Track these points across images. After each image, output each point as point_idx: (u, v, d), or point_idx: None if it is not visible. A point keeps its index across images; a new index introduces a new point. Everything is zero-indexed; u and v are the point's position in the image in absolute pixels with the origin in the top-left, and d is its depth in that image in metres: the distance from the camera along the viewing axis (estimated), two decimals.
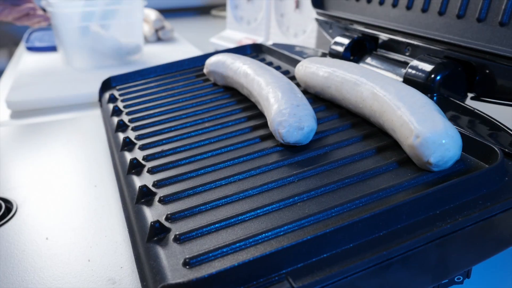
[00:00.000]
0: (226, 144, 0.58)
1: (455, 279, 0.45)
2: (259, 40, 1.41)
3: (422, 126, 0.45)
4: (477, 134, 0.51)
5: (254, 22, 1.46)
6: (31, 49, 1.44)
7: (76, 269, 0.50)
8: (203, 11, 2.37)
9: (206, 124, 0.65)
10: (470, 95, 0.65)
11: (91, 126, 0.87)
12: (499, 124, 0.55)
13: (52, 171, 0.71)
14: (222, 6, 2.22)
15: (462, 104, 0.61)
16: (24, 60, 1.35)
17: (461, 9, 0.64)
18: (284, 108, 0.55)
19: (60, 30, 1.17)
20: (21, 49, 1.58)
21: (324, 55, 0.91)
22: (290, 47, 0.97)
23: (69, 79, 1.14)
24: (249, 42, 1.41)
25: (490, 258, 0.42)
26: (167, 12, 2.03)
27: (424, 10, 0.71)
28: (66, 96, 1.02)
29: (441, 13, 0.68)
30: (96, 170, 0.70)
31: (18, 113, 0.99)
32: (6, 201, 0.63)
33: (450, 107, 0.61)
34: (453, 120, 0.57)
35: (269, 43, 1.36)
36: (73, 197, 0.64)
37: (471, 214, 0.39)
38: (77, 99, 1.03)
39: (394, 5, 0.77)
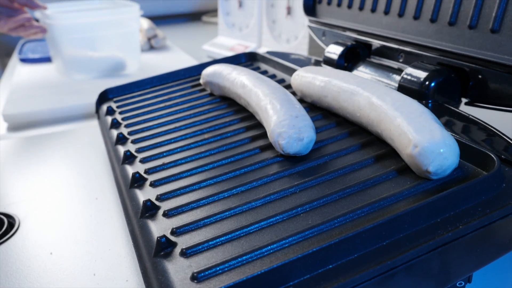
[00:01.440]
0: (227, 156, 0.59)
1: (457, 284, 0.46)
2: (252, 46, 1.42)
3: (420, 136, 0.47)
4: (472, 141, 0.53)
5: (246, 29, 1.47)
6: (24, 60, 1.44)
7: (82, 284, 0.50)
8: (193, 17, 2.37)
9: (206, 135, 0.66)
10: (464, 100, 0.66)
11: (89, 137, 0.88)
12: (493, 129, 0.56)
13: (52, 184, 0.72)
14: (212, 12, 2.23)
15: (457, 110, 0.62)
16: (18, 72, 1.35)
17: (452, 16, 0.66)
18: (283, 119, 0.56)
19: (58, 42, 1.17)
20: (14, 60, 1.58)
21: (317, 62, 0.92)
22: (284, 55, 0.98)
23: (65, 90, 1.14)
24: (242, 48, 1.42)
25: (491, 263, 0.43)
26: (157, 19, 2.03)
27: (416, 17, 0.72)
28: (63, 108, 1.03)
29: (432, 20, 0.69)
30: (97, 182, 0.71)
31: (15, 126, 1.00)
32: (8, 216, 0.63)
33: (445, 113, 0.62)
34: (449, 126, 0.59)
35: (261, 49, 1.37)
36: (74, 210, 0.64)
37: (471, 222, 0.40)
38: (73, 110, 1.03)
39: (386, 12, 0.78)
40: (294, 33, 1.28)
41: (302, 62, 0.92)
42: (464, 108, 0.64)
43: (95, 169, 0.75)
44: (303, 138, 0.54)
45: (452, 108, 0.63)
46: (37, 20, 1.24)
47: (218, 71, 0.78)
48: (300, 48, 1.24)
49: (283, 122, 0.56)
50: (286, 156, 0.56)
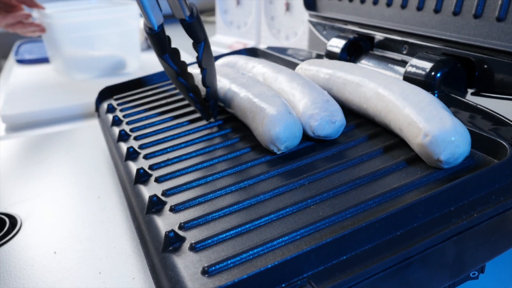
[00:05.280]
0: (232, 150, 0.58)
1: (471, 275, 0.45)
2: (250, 43, 1.41)
3: (431, 124, 0.46)
4: (482, 130, 0.52)
5: (244, 26, 1.46)
6: (21, 61, 1.43)
7: (87, 282, 0.49)
8: None
9: (209, 130, 0.65)
10: (470, 90, 0.65)
11: (89, 136, 0.87)
12: (502, 118, 0.55)
13: (53, 183, 0.71)
14: (210, 11, 2.22)
15: (464, 100, 0.62)
16: (15, 73, 1.34)
17: (457, 6, 0.65)
18: (315, 102, 0.56)
19: (57, 41, 1.16)
20: (11, 61, 1.57)
21: (319, 56, 0.91)
22: (284, 50, 0.97)
23: (63, 90, 1.13)
24: (240, 46, 1.41)
25: (504, 253, 0.43)
26: None
27: (419, 8, 0.71)
28: (61, 108, 1.02)
29: (436, 10, 0.68)
30: (98, 180, 0.70)
31: (13, 126, 0.99)
32: (10, 216, 0.62)
33: (452, 103, 0.61)
34: (457, 116, 0.58)
35: (261, 46, 1.36)
36: (77, 209, 0.63)
37: (485, 210, 0.40)
38: (72, 110, 1.02)
39: (389, 4, 0.77)
40: (294, 30, 1.27)
41: (303, 57, 0.91)
42: (470, 99, 0.63)
43: (96, 167, 0.74)
44: (335, 121, 0.54)
45: (459, 98, 0.62)
46: None
47: (232, 62, 0.78)
48: (300, 44, 1.23)
49: (316, 105, 0.55)
50: (295, 149, 0.55)
